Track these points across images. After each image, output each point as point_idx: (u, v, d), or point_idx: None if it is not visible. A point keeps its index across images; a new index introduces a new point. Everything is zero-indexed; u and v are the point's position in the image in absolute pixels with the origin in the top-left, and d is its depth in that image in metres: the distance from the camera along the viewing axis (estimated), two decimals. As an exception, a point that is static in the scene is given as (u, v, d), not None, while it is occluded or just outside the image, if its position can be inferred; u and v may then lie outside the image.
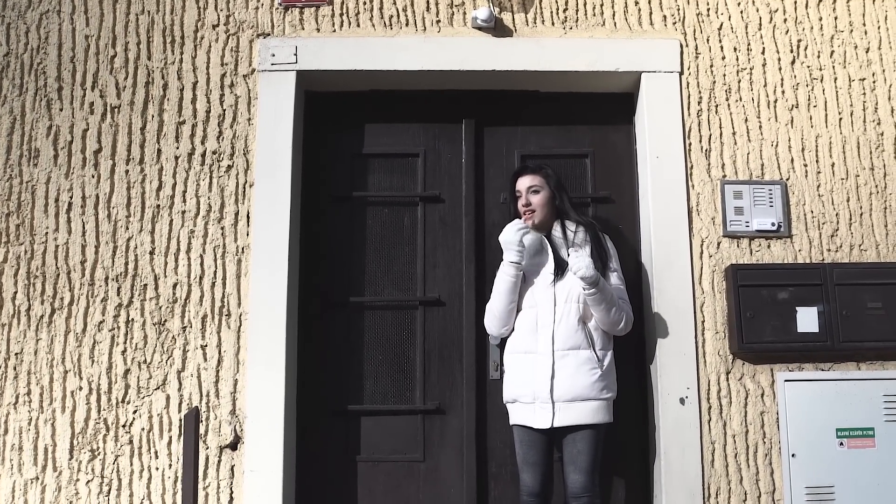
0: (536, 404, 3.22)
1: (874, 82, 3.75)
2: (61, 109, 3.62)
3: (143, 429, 3.41)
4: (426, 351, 3.69)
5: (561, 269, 3.30)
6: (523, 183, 3.40)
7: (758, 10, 3.78)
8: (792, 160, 3.67)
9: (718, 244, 3.59)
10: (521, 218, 3.39)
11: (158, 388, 3.43)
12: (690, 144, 3.67)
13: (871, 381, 3.49)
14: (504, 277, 3.32)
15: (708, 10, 3.77)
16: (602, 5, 3.76)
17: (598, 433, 3.21)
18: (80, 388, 3.42)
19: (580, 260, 3.17)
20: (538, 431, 3.24)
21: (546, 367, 3.21)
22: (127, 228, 3.54)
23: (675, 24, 3.76)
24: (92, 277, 3.50)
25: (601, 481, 3.30)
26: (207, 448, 3.39)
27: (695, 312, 3.53)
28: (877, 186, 3.66)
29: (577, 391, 3.18)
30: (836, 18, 3.79)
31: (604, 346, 3.28)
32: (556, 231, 3.39)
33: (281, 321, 3.47)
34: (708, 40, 3.75)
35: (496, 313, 3.36)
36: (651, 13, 3.76)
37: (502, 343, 3.45)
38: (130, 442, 3.40)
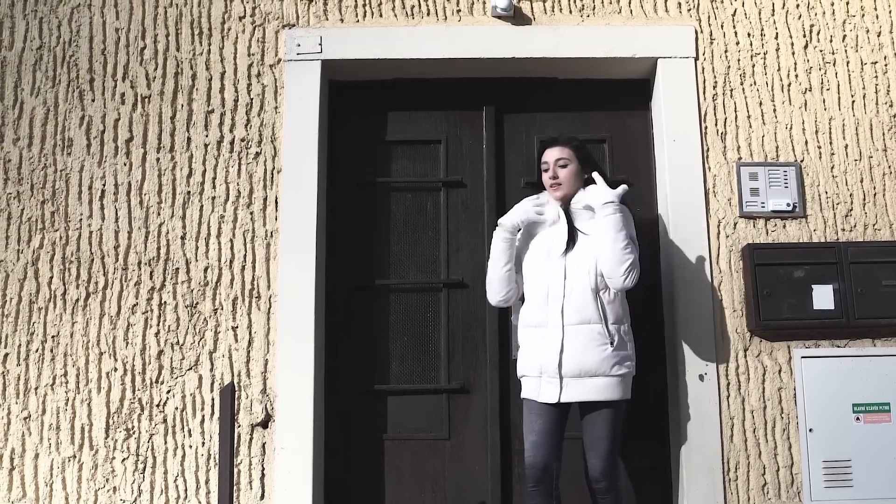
0: (543, 378, 3.17)
1: (886, 66, 3.82)
2: (93, 100, 3.72)
3: (176, 408, 3.50)
4: (450, 332, 3.77)
5: (573, 240, 3.24)
6: (551, 155, 3.33)
7: (771, -4, 3.87)
8: (806, 142, 3.74)
9: (735, 224, 3.66)
10: (545, 188, 3.36)
11: (191, 368, 3.53)
12: (706, 128, 3.75)
13: (887, 357, 3.56)
14: (497, 242, 3.33)
15: (722, -4, 3.86)
16: (618, -7, 3.86)
17: (616, 414, 3.15)
18: (115, 370, 3.52)
19: (601, 190, 3.19)
20: (547, 406, 3.18)
21: (555, 342, 3.15)
22: (159, 214, 3.64)
23: (689, 10, 3.84)
24: (125, 262, 3.60)
25: (621, 456, 3.35)
26: (239, 426, 3.48)
27: (713, 291, 3.61)
28: (889, 167, 3.73)
29: (587, 367, 3.12)
30: (847, 3, 3.87)
31: (617, 321, 3.19)
32: (578, 203, 3.32)
33: (309, 303, 3.56)
34: (722, 26, 3.83)
35: (491, 278, 3.36)
36: (666, 0, 3.85)
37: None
38: (164, 421, 3.49)
